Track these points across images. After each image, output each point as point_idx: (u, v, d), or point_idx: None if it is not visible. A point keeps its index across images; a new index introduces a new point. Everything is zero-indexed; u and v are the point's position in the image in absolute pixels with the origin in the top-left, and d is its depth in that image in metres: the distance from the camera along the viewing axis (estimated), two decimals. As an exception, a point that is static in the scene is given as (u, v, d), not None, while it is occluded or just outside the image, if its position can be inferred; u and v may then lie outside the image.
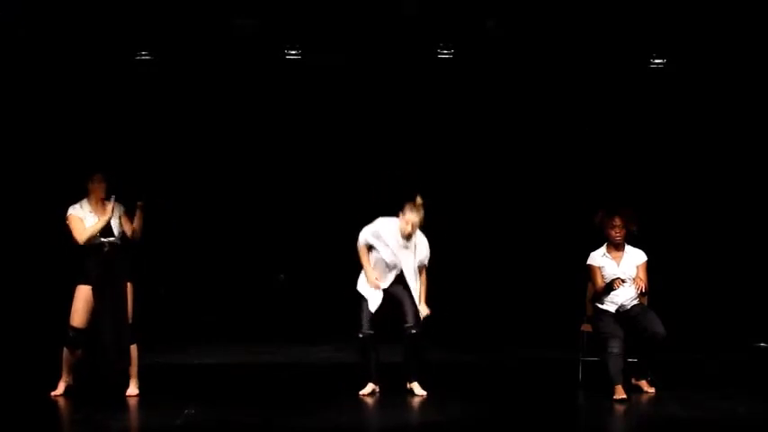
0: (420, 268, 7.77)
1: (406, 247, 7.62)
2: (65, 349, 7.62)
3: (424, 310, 7.71)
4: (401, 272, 7.67)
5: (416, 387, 7.74)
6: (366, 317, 7.67)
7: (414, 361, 7.74)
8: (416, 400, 7.61)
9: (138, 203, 7.65)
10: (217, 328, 11.05)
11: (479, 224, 11.24)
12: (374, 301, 7.63)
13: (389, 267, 7.65)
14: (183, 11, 9.70)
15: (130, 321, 7.58)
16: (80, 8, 9.58)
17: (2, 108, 10.48)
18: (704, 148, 11.11)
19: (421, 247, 7.69)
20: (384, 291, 7.69)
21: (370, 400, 7.65)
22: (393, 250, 7.61)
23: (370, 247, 7.69)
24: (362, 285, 7.77)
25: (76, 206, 7.63)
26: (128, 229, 7.65)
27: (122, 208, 7.67)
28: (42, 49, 10.18)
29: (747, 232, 11.08)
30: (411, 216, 7.51)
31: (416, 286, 7.70)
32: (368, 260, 7.67)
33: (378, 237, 7.63)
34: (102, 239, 7.56)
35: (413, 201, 7.53)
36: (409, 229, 7.53)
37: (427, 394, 7.71)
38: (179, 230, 10.99)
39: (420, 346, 7.70)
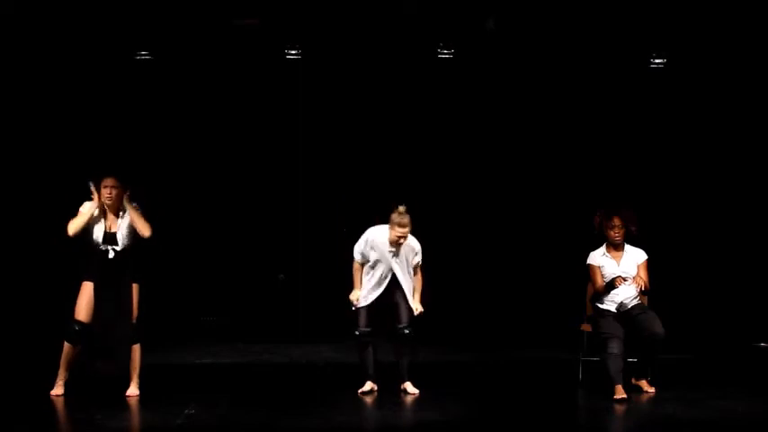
0: (414, 268, 7.86)
1: (396, 254, 7.75)
2: (65, 344, 7.59)
3: (417, 308, 7.82)
4: (394, 276, 7.77)
5: (409, 386, 7.85)
6: (363, 315, 7.80)
7: (406, 360, 7.84)
8: (415, 400, 7.63)
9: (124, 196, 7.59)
10: (217, 328, 11.04)
11: (479, 224, 11.23)
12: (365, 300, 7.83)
13: (384, 276, 7.78)
14: (183, 11, 9.69)
15: (134, 322, 7.58)
16: (80, 7, 9.57)
17: (2, 108, 10.48)
18: (704, 147, 11.09)
19: (409, 250, 7.77)
20: (381, 293, 7.79)
21: (368, 400, 7.66)
22: (386, 257, 7.74)
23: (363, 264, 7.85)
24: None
25: (89, 203, 7.60)
26: (139, 231, 7.58)
27: (136, 211, 7.60)
28: (42, 49, 10.17)
29: (747, 232, 11.06)
30: (400, 229, 7.61)
31: (409, 286, 7.82)
32: (359, 279, 7.84)
33: (373, 247, 7.77)
34: (109, 247, 7.54)
35: (396, 211, 7.64)
36: (402, 240, 7.67)
37: (423, 393, 7.76)
38: (179, 230, 10.97)
39: (413, 346, 7.79)
